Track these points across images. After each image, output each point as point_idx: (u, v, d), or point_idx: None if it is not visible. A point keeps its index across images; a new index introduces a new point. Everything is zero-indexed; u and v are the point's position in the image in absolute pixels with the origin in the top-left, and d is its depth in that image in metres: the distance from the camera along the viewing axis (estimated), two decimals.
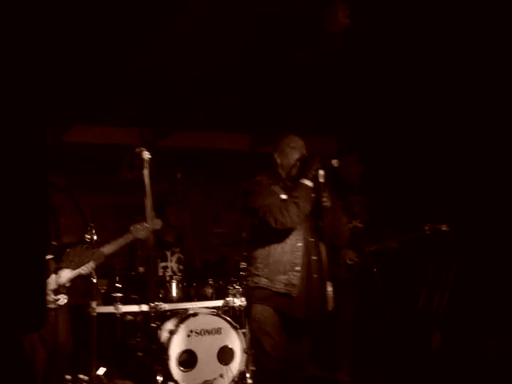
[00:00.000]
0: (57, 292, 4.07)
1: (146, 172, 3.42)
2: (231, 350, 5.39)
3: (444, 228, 5.25)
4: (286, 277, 3.85)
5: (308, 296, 3.89)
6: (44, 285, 1.43)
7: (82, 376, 4.86)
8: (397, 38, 4.84)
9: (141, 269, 6.31)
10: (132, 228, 4.43)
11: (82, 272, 4.22)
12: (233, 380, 5.31)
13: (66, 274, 4.16)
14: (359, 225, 5.55)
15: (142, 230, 4.46)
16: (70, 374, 4.63)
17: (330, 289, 3.77)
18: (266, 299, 3.92)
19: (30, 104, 1.34)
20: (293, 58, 5.19)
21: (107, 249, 4.42)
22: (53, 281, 4.04)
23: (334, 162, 3.84)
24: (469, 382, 5.35)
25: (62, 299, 4.15)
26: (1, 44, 1.26)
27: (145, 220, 3.69)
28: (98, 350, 5.24)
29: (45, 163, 1.38)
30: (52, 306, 4.03)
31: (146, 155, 3.44)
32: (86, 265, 4.23)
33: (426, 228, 5.28)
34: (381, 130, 7.20)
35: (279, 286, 3.86)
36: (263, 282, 3.91)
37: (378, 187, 5.85)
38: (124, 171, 7.58)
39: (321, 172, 3.84)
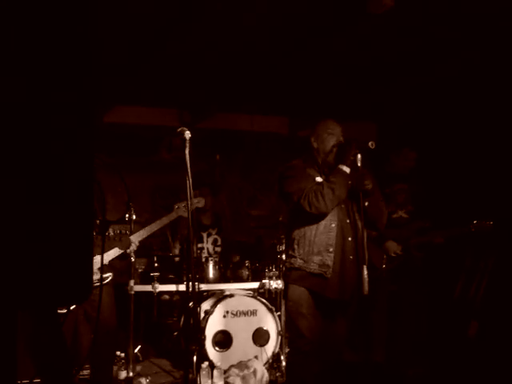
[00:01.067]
0: (103, 270, 4.14)
1: (187, 152, 3.43)
2: (266, 331, 5.43)
3: (490, 225, 5.14)
4: (320, 257, 3.88)
5: (342, 277, 3.90)
6: (90, 258, 1.46)
7: (118, 353, 4.94)
8: (442, 23, 4.76)
9: (176, 250, 6.38)
10: (176, 206, 4.46)
11: (128, 251, 4.27)
12: (267, 361, 5.34)
13: (112, 253, 4.22)
14: (404, 215, 5.43)
15: (185, 208, 4.48)
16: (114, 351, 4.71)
17: (365, 272, 3.75)
18: (300, 280, 3.95)
19: (83, 82, 1.37)
20: (334, 41, 5.15)
21: (151, 227, 4.45)
22: (98, 260, 4.10)
23: (371, 144, 3.82)
24: (505, 371, 5.29)
25: (109, 277, 4.22)
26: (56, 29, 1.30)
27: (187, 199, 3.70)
28: (135, 328, 5.32)
29: (93, 141, 1.41)
30: (98, 283, 4.09)
31: (188, 135, 3.45)
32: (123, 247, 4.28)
33: (473, 224, 5.17)
34: (422, 117, 7.10)
35: (313, 267, 3.89)
36: (298, 262, 3.95)
37: (421, 176, 5.73)
38: (163, 152, 7.68)
39: (358, 156, 3.85)
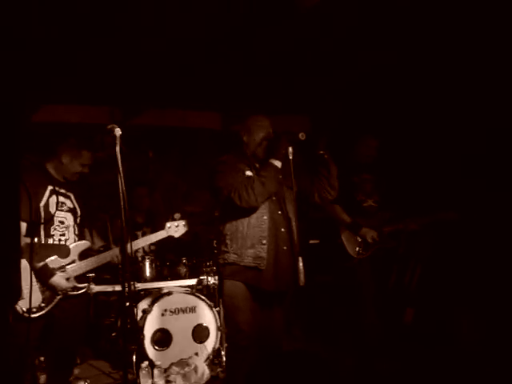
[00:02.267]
0: (80, 280, 4.07)
1: (118, 149, 3.38)
2: (206, 328, 5.43)
3: (452, 217, 5.23)
4: (254, 250, 3.92)
5: (276, 268, 3.95)
6: (17, 261, 1.42)
7: None
8: (373, 15, 4.80)
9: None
10: (167, 224, 4.41)
11: (104, 261, 4.21)
12: (208, 358, 5.34)
13: (90, 262, 4.14)
14: (373, 204, 5.44)
15: (177, 228, 4.44)
16: (43, 355, 4.60)
17: (301, 264, 3.80)
18: (235, 274, 3.98)
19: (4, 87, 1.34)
20: (265, 35, 5.15)
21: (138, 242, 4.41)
22: (77, 268, 4.03)
23: (301, 136, 3.89)
24: (440, 357, 5.43)
25: (86, 287, 4.14)
26: None
27: (160, 214, 3.66)
28: None
29: (20, 141, 1.37)
30: (74, 292, 4.02)
31: (118, 132, 3.40)
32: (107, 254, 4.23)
33: (441, 214, 5.25)
34: (352, 109, 7.18)
35: (248, 260, 3.93)
36: (232, 257, 3.97)
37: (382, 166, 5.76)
38: (95, 150, 7.53)
39: (290, 149, 3.93)
